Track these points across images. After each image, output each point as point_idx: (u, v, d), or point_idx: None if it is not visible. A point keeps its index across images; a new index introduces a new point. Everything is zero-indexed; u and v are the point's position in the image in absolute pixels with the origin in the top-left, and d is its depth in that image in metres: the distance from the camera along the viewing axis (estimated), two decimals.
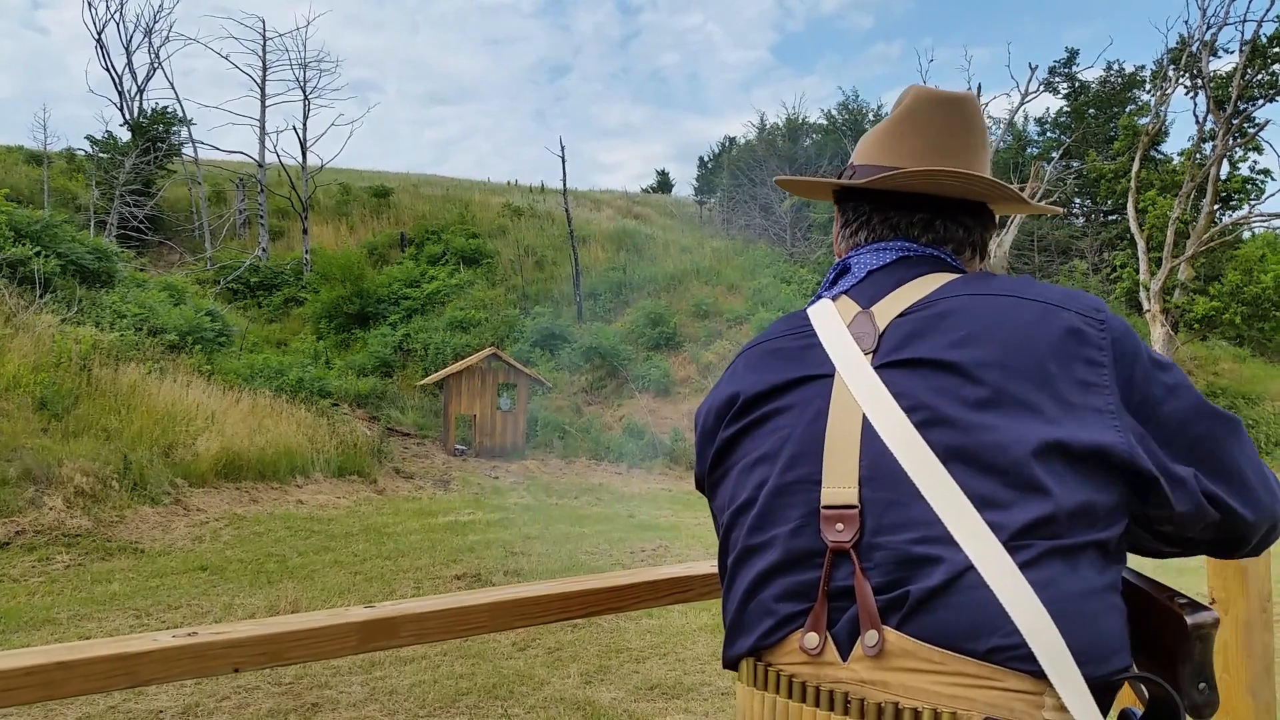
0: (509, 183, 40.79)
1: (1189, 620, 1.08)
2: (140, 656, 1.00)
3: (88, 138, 28.84)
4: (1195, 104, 20.77)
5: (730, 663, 1.16)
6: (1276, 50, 19.44)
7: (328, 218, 30.92)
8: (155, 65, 31.70)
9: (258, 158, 30.59)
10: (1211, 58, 20.44)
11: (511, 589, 1.33)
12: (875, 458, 1.06)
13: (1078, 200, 32.55)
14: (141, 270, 22.34)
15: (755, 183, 37.31)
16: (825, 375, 1.15)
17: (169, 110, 30.27)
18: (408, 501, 13.22)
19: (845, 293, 1.24)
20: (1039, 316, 1.09)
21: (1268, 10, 19.66)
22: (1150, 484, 1.04)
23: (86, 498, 9.42)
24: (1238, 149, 20.64)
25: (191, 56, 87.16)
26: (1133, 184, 20.89)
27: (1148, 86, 25.78)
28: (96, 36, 30.86)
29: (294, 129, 31.36)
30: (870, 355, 1.13)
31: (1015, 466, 1.01)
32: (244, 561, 8.52)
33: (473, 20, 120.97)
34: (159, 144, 28.93)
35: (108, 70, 30.82)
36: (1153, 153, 23.33)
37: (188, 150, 30.89)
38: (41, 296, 14.71)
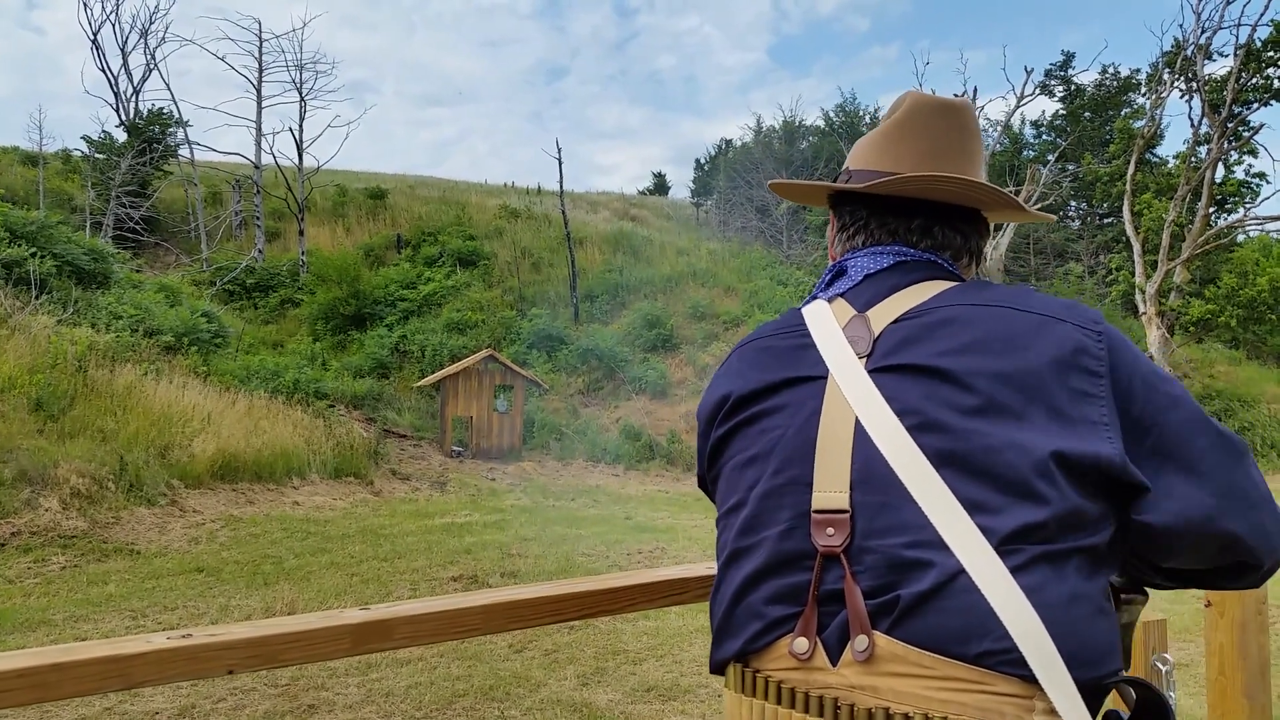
0: (506, 184, 40.79)
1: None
2: (134, 658, 0.99)
3: (84, 138, 28.87)
4: (1190, 107, 20.84)
5: (717, 667, 1.15)
6: (1271, 54, 19.48)
7: (324, 219, 30.90)
8: (151, 66, 31.71)
9: (254, 159, 30.56)
10: (1206, 61, 20.50)
11: (507, 591, 1.33)
12: (867, 461, 1.06)
13: (1073, 203, 32.61)
14: (137, 271, 22.31)
15: (752, 185, 37.33)
16: (819, 377, 1.14)
17: (165, 111, 30.27)
18: (404, 503, 13.21)
19: (841, 295, 1.24)
20: (1036, 328, 1.09)
21: (1262, 14, 19.74)
22: (1142, 494, 1.03)
23: (82, 499, 9.40)
24: (1233, 152, 20.69)
25: (187, 57, 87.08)
26: (1128, 187, 20.93)
27: (1143, 90, 25.83)
28: (92, 37, 30.86)
29: (290, 130, 31.42)
30: (864, 359, 1.13)
31: (1007, 472, 1.01)
32: (240, 563, 8.51)
33: (469, 22, 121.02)
34: (155, 145, 28.90)
35: (103, 71, 30.83)
36: (1148, 156, 23.39)
37: (184, 151, 30.89)
38: (37, 297, 14.68)
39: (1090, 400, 1.04)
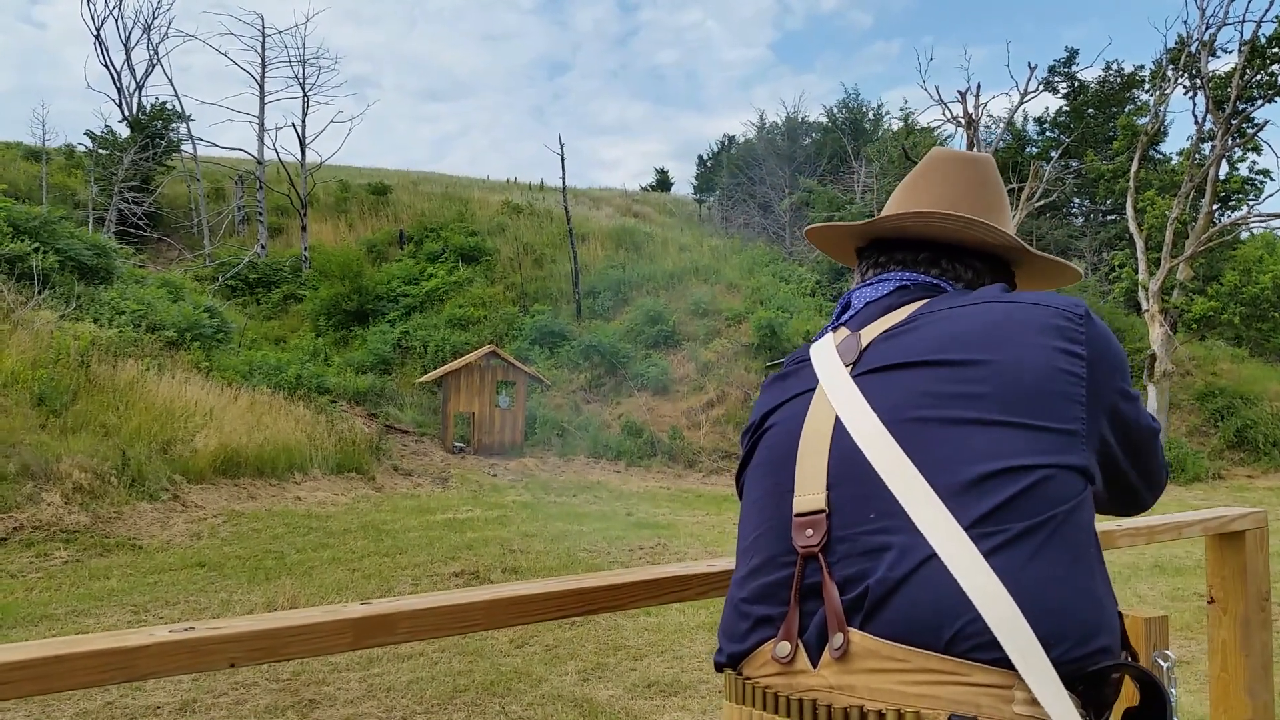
0: (508, 180, 40.78)
1: None
2: (137, 651, 0.99)
3: (87, 134, 28.84)
4: (1194, 104, 20.75)
5: (717, 666, 1.19)
6: (1276, 51, 19.41)
7: (326, 215, 30.91)
8: (154, 62, 31.73)
9: (256, 154, 30.57)
10: (1210, 58, 20.43)
11: (509, 587, 1.33)
12: (843, 458, 1.09)
13: (1076, 200, 32.56)
14: (140, 267, 22.33)
15: (754, 181, 37.32)
16: (809, 390, 1.21)
17: (168, 106, 30.26)
18: (406, 499, 13.22)
19: (844, 324, 1.31)
20: (1015, 314, 1.13)
21: (1267, 10, 19.61)
22: (1095, 479, 1.10)
23: (85, 494, 9.42)
24: (1237, 149, 20.62)
25: (190, 53, 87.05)
26: (1131, 184, 20.88)
27: (1147, 86, 25.76)
28: (95, 32, 30.85)
29: (293, 126, 31.37)
30: (851, 367, 1.18)
31: (981, 455, 1.03)
32: (242, 558, 8.52)
33: (471, 16, 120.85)
34: (158, 140, 28.91)
35: (106, 66, 30.89)
36: (1152, 153, 23.33)
37: (186, 147, 30.90)
38: (40, 292, 14.70)
39: (1069, 380, 1.08)
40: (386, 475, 14.67)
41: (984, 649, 0.93)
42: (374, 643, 1.18)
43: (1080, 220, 33.49)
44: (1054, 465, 1.02)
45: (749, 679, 1.10)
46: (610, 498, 14.35)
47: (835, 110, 41.88)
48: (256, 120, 30.95)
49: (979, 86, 31.04)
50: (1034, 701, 0.91)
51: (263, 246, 27.98)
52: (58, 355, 11.88)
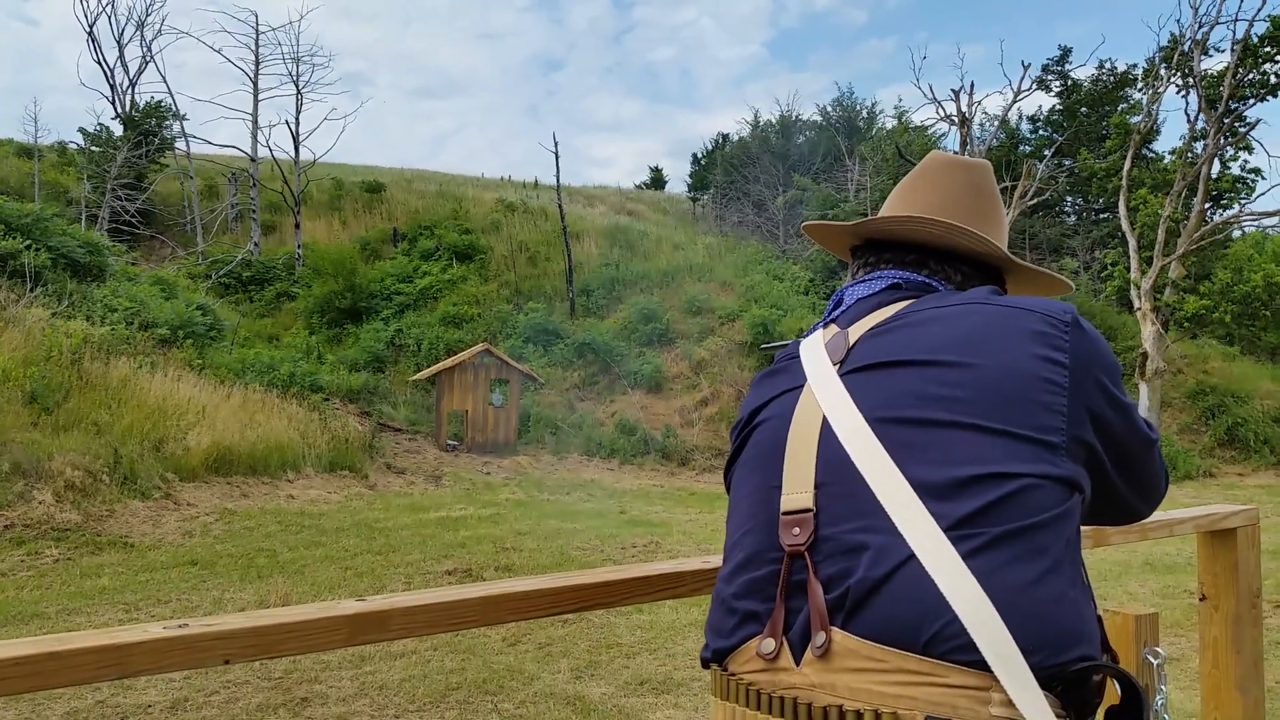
0: (502, 178, 40.71)
1: None
2: (130, 648, 0.99)
3: (80, 131, 28.74)
4: (1187, 103, 20.82)
5: (703, 662, 1.19)
6: (1268, 50, 19.47)
7: (320, 212, 30.83)
8: (147, 59, 31.63)
9: (250, 152, 30.49)
10: (1203, 57, 20.50)
11: (502, 584, 1.33)
12: (830, 457, 1.10)
13: (1069, 198, 32.64)
14: (133, 264, 22.25)
15: (748, 179, 37.32)
16: (797, 387, 1.21)
17: (161, 104, 30.15)
18: (399, 497, 13.21)
19: (834, 320, 1.31)
20: (1001, 318, 1.13)
21: (1259, 9, 19.69)
22: (1083, 488, 1.10)
23: (76, 492, 9.39)
24: (1229, 148, 20.69)
25: (184, 50, 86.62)
26: (1124, 182, 20.92)
27: (1139, 85, 25.80)
28: (88, 29, 30.73)
29: (286, 123, 31.39)
30: (838, 365, 1.18)
31: (964, 458, 1.03)
32: (234, 556, 8.50)
33: (465, 13, 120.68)
34: (151, 138, 28.81)
35: (99, 63, 30.75)
36: (1144, 151, 23.40)
37: (180, 144, 30.80)
38: (32, 290, 14.64)
39: (1050, 389, 1.07)
40: (380, 473, 14.65)
41: (961, 650, 0.93)
42: (367, 639, 1.18)
43: (1073, 219, 33.58)
44: (1035, 475, 1.02)
45: (734, 675, 1.10)
46: (604, 496, 14.35)
47: (829, 108, 41.91)
48: (250, 117, 30.87)
49: (973, 85, 31.02)
50: (1010, 703, 0.91)
51: (256, 244, 27.91)
52: (50, 353, 11.83)
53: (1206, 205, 20.33)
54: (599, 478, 16.65)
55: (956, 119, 25.43)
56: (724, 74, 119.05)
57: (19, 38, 68.50)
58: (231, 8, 58.42)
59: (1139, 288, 19.93)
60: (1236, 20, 20.06)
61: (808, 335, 1.31)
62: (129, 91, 30.99)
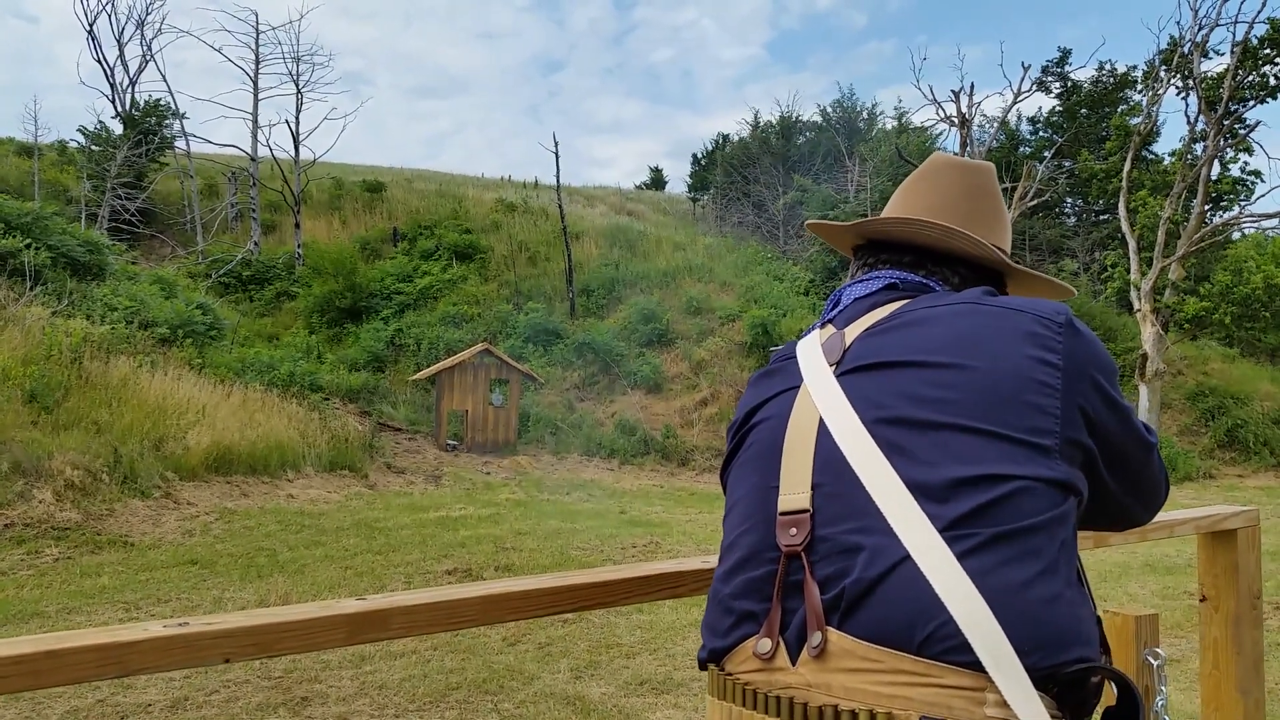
0: (502, 178, 40.70)
1: None
2: (131, 646, 0.99)
3: (80, 130, 28.73)
4: (1186, 105, 20.83)
5: (700, 663, 1.20)
6: (1267, 52, 19.48)
7: (320, 212, 30.82)
8: (147, 57, 31.61)
9: (250, 151, 30.48)
10: (1203, 59, 20.50)
11: (503, 583, 1.33)
12: (827, 456, 1.10)
13: (1069, 200, 32.63)
14: (133, 263, 22.23)
15: (748, 180, 37.32)
16: (794, 387, 1.21)
17: (161, 103, 30.15)
18: (399, 496, 13.20)
19: (830, 320, 1.31)
20: (994, 319, 1.13)
21: (1259, 12, 19.70)
22: (1079, 491, 1.09)
23: (76, 491, 9.38)
24: (1228, 150, 20.69)
25: (184, 49, 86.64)
26: (1124, 184, 20.93)
27: (1139, 87, 25.83)
28: (88, 28, 30.73)
29: (286, 122, 31.37)
30: (834, 366, 1.18)
31: (960, 458, 1.03)
32: (234, 555, 8.50)
33: (466, 13, 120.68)
34: (151, 137, 28.80)
35: (99, 62, 30.75)
36: (1144, 153, 23.40)
37: (180, 143, 30.79)
38: (32, 289, 14.64)
39: (1043, 391, 1.07)
40: (379, 473, 14.65)
41: (956, 651, 0.93)
42: (367, 638, 1.18)
43: (1073, 220, 33.58)
44: (1028, 477, 1.02)
45: (731, 675, 1.11)
46: (603, 496, 14.35)
47: (830, 109, 41.90)
48: (250, 117, 30.86)
49: (973, 86, 30.94)
50: (1005, 704, 0.91)
51: (256, 243, 27.90)
52: (49, 352, 11.83)
53: (1206, 207, 20.35)
54: (599, 478, 16.65)
55: (956, 120, 25.43)
56: (724, 75, 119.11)
57: (19, 35, 68.52)
58: (231, 7, 58.55)
59: (1139, 289, 19.93)
60: (1236, 22, 20.09)
61: (804, 336, 1.31)
62: (129, 90, 30.99)
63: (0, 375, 10.67)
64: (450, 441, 18.34)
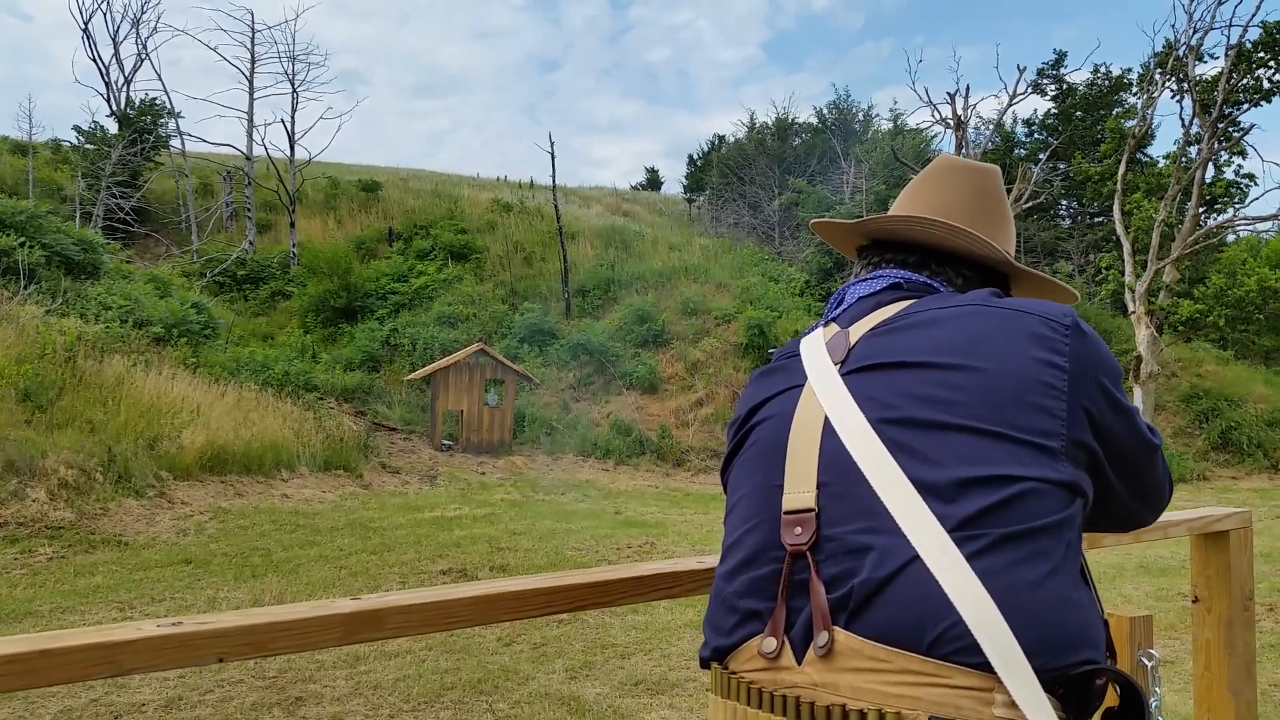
0: (498, 178, 40.69)
1: None
2: (124, 645, 0.99)
3: (74, 129, 28.64)
4: (1181, 108, 20.97)
5: (702, 662, 1.19)
6: (1262, 55, 19.53)
7: (315, 211, 30.78)
8: (142, 56, 31.50)
9: (245, 150, 30.41)
10: (1197, 62, 20.55)
11: (498, 583, 1.33)
12: (833, 455, 1.10)
13: (1064, 202, 32.68)
14: (127, 262, 22.19)
15: (744, 181, 37.33)
16: (798, 385, 1.21)
17: (156, 101, 30.09)
18: (394, 496, 13.19)
19: (835, 319, 1.31)
20: (1001, 321, 1.13)
21: (1253, 15, 19.73)
22: (1085, 492, 1.09)
23: (70, 490, 9.36)
24: (1223, 153, 20.74)
25: (179, 47, 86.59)
26: (1119, 186, 20.96)
27: (1134, 90, 25.91)
28: (83, 26, 30.63)
29: (282, 122, 31.24)
30: (839, 365, 1.18)
31: (967, 459, 1.03)
32: (228, 555, 8.48)
33: (462, 12, 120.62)
34: (146, 135, 28.72)
35: (94, 60, 30.65)
36: (1139, 156, 23.42)
37: (175, 142, 30.71)
38: (26, 287, 14.61)
39: (1049, 393, 1.07)
40: (374, 473, 14.63)
41: (965, 652, 0.93)
42: (362, 638, 1.17)
43: (1068, 222, 33.62)
44: (1036, 479, 1.02)
45: (735, 673, 1.10)
46: (599, 496, 14.34)
47: (825, 111, 41.94)
48: (245, 116, 30.80)
49: (968, 88, 31.10)
50: (1013, 705, 0.91)
51: (251, 243, 27.84)
52: (43, 350, 11.80)
53: (1201, 210, 20.38)
54: (594, 478, 16.64)
55: (952, 122, 25.47)
56: (721, 75, 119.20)
57: (13, 33, 68.29)
58: (227, 5, 58.53)
59: (1133, 291, 19.97)
60: (1230, 26, 20.13)
61: (807, 334, 1.31)
62: (124, 89, 30.89)
63: None
64: (445, 441, 18.32)
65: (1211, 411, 20.31)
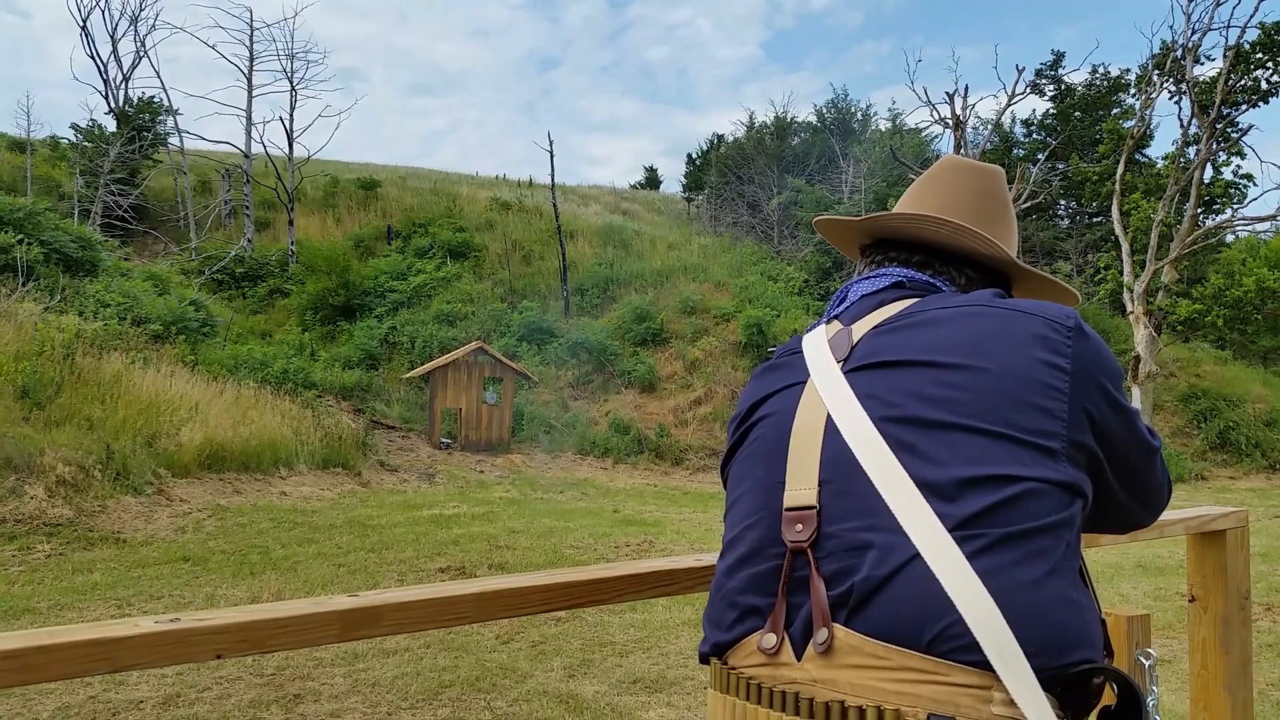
0: (497, 176, 40.67)
1: None
2: (122, 642, 0.99)
3: (72, 126, 28.63)
4: (1179, 108, 20.95)
5: (701, 657, 1.19)
6: (1259, 56, 19.55)
7: (314, 209, 30.75)
8: (141, 53, 31.46)
9: (244, 148, 30.39)
10: (1195, 63, 20.56)
11: (496, 580, 1.33)
12: (835, 453, 1.10)
13: (1062, 202, 32.68)
14: (126, 259, 22.17)
15: (743, 180, 37.30)
16: (800, 382, 1.21)
17: (155, 99, 30.06)
18: (392, 494, 13.19)
19: (837, 317, 1.31)
20: (1004, 321, 1.13)
21: (1251, 16, 19.75)
22: (1084, 493, 1.09)
23: (68, 487, 9.36)
24: (1221, 153, 20.75)
25: (178, 45, 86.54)
26: (1117, 187, 20.97)
27: (1133, 90, 25.89)
28: (81, 23, 30.60)
29: (280, 119, 31.21)
30: (842, 363, 1.18)
31: (968, 458, 1.03)
32: (227, 553, 8.48)
33: (460, 10, 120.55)
34: (144, 133, 28.70)
35: (92, 57, 30.59)
36: (1137, 156, 23.43)
37: (173, 140, 30.70)
38: (24, 284, 14.60)
39: (1050, 394, 1.07)
40: (373, 471, 14.63)
41: (964, 650, 0.94)
42: (360, 635, 1.17)
43: (1066, 222, 33.61)
44: (1037, 479, 1.03)
45: (734, 669, 1.11)
46: (597, 494, 14.34)
47: (824, 110, 41.90)
48: (244, 114, 30.79)
49: (967, 88, 31.08)
50: (1012, 703, 0.92)
51: (249, 240, 27.82)
52: (42, 348, 11.79)
53: (1199, 210, 20.39)
54: (592, 477, 16.64)
55: (950, 122, 25.46)
56: (720, 74, 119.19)
57: (11, 30, 68.17)
58: (226, 3, 58.41)
59: (1132, 291, 19.99)
60: (1229, 27, 20.13)
61: (809, 331, 1.31)
62: (122, 86, 30.85)
63: None
64: (444, 439, 18.32)
65: (1209, 411, 20.33)
